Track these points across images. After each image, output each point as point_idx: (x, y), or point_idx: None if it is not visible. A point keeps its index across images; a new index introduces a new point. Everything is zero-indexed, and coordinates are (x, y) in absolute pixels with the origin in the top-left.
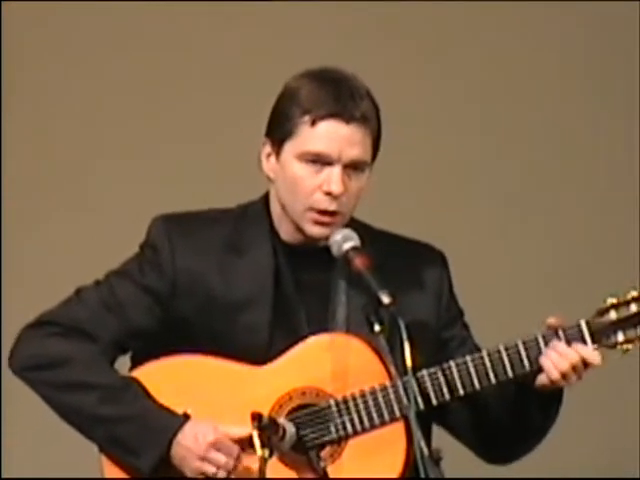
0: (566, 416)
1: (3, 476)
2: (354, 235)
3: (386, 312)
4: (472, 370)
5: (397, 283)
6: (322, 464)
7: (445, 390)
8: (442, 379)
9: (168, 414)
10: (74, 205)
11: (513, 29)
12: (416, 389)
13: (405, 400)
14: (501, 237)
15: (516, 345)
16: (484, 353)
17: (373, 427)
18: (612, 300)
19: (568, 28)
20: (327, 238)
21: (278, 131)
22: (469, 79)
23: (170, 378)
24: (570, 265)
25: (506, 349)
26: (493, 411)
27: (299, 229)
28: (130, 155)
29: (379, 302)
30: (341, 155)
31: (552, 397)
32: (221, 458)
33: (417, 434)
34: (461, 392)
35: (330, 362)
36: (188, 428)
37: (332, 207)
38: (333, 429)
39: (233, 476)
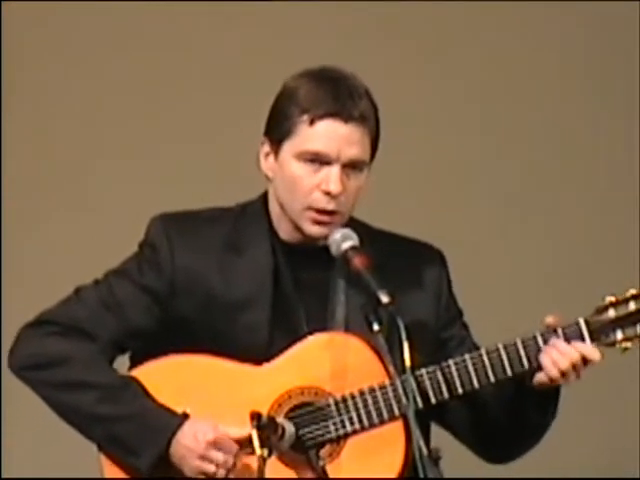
0: (566, 416)
1: (3, 476)
2: (353, 234)
3: (385, 311)
4: (471, 369)
5: (396, 282)
6: (321, 463)
7: (444, 389)
8: (441, 378)
9: (167, 413)
10: (74, 205)
11: (513, 29)
12: (415, 388)
13: (404, 399)
14: (501, 237)
15: (515, 344)
16: (483, 352)
17: (372, 426)
18: (611, 298)
19: (568, 28)
20: (326, 237)
21: (277, 130)
22: (469, 79)
23: (169, 377)
24: (570, 265)
25: (505, 348)
26: (491, 410)
27: (298, 228)
28: (130, 155)
29: (378, 301)
30: (340, 154)
31: (550, 396)
32: (220, 457)
33: (416, 433)
34: (460, 391)
35: (329, 361)
36: (187, 427)
37: (330, 206)
38: (332, 428)
39: (232, 475)
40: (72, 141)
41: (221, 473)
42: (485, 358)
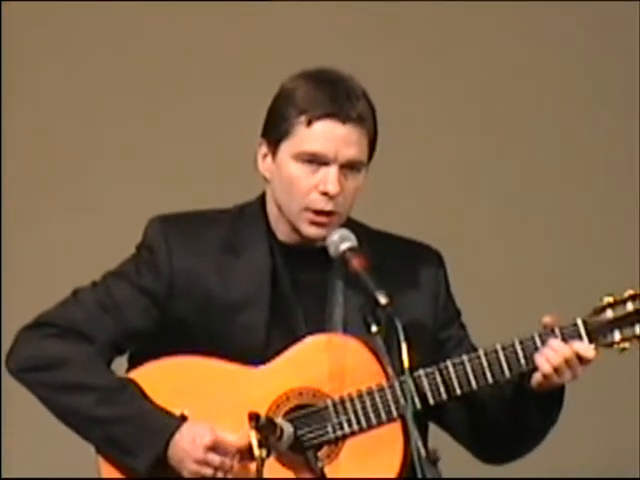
0: (566, 416)
1: (3, 476)
2: (351, 236)
3: (383, 312)
4: (469, 370)
5: (394, 283)
6: (319, 464)
7: (442, 390)
8: (439, 379)
9: (165, 415)
10: (74, 205)
11: (513, 29)
12: (413, 389)
13: (402, 400)
14: (501, 237)
15: (513, 344)
16: (481, 353)
17: (370, 427)
18: (609, 299)
19: (568, 28)
20: (323, 238)
21: (274, 131)
22: (469, 79)
23: (167, 379)
24: (570, 265)
25: (503, 348)
26: (490, 411)
27: (296, 229)
28: (130, 155)
29: (376, 303)
30: (337, 155)
31: (551, 399)
32: (218, 460)
33: (414, 434)
34: (458, 392)
35: (327, 362)
36: (185, 430)
37: (328, 207)
38: (330, 429)
39: (231, 476)
40: (72, 141)
41: (219, 476)
42: (483, 359)
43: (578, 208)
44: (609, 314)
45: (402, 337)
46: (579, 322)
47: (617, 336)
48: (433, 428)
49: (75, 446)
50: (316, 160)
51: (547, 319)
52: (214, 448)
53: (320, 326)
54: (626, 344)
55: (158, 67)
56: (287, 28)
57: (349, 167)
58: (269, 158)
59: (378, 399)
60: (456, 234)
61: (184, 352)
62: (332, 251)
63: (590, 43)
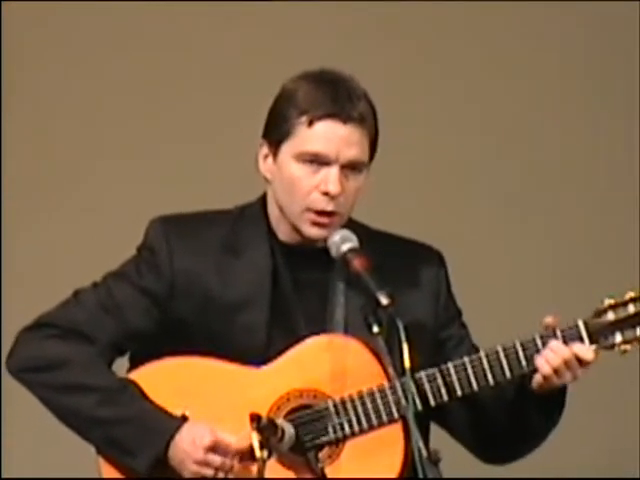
0: (566, 416)
1: (3, 476)
2: (352, 236)
3: (384, 313)
4: (470, 371)
5: (395, 283)
6: (320, 465)
7: (443, 391)
8: (440, 380)
9: (165, 416)
10: (74, 205)
11: (513, 29)
12: (414, 390)
13: (403, 401)
14: (501, 237)
15: (514, 346)
16: (482, 354)
17: (371, 428)
18: (610, 301)
19: (568, 28)
20: (325, 239)
21: (275, 132)
22: (469, 79)
23: (168, 379)
24: (570, 265)
25: (504, 350)
26: (491, 411)
27: (297, 230)
28: (130, 155)
29: (378, 303)
30: (339, 155)
31: (552, 400)
32: (219, 461)
33: (415, 435)
34: (459, 393)
35: (328, 363)
36: (185, 430)
37: (329, 207)
38: (331, 430)
39: (232, 476)
40: (72, 141)
41: (220, 476)
42: (484, 360)
43: (578, 208)
44: (610, 316)
45: (403, 338)
46: (580, 324)
47: (618, 338)
48: (435, 429)
49: (75, 446)
50: (317, 160)
51: (548, 320)
52: (214, 449)
53: (321, 326)
54: (627, 346)
55: (158, 67)
56: (287, 28)
57: (350, 167)
58: (270, 159)
59: (379, 400)
60: (456, 234)
61: (185, 352)
62: (333, 252)
63: (590, 43)
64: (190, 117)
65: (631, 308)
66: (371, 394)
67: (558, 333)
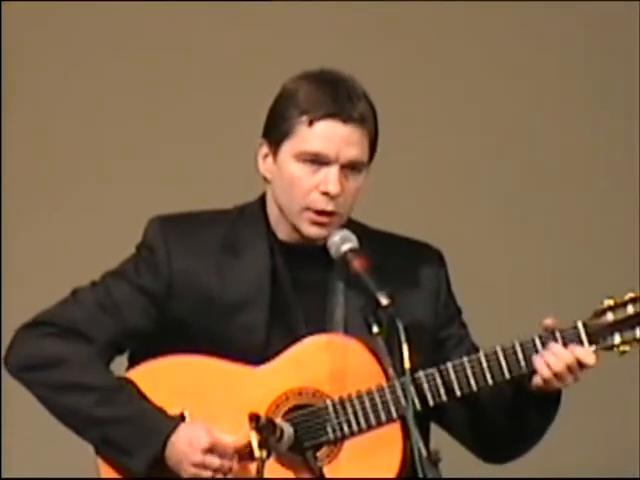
0: (566, 416)
1: (3, 476)
2: (352, 236)
3: (384, 313)
4: (469, 371)
5: (395, 283)
6: (319, 464)
7: (442, 391)
8: (439, 380)
9: (162, 416)
10: (74, 205)
11: (513, 29)
12: (413, 390)
13: (402, 401)
14: (501, 237)
15: (513, 346)
16: (481, 354)
17: (370, 428)
18: (609, 301)
19: (568, 28)
20: (324, 238)
21: (275, 132)
22: (469, 79)
23: (167, 378)
24: (570, 265)
25: (503, 350)
26: (490, 411)
27: (296, 229)
28: (130, 155)
29: (377, 303)
30: (339, 155)
31: (550, 399)
32: (217, 462)
33: (415, 435)
34: (458, 393)
35: (327, 363)
36: (182, 431)
37: (329, 207)
38: (330, 430)
39: (230, 476)
40: (72, 141)
41: (219, 476)
42: (483, 361)
43: (578, 208)
44: (609, 317)
45: (403, 338)
46: (579, 325)
47: (617, 339)
48: (435, 429)
49: (75, 446)
50: (317, 160)
51: (548, 321)
52: (212, 450)
53: (320, 326)
54: (626, 347)
55: (158, 67)
56: (287, 28)
57: (350, 167)
58: (270, 158)
59: (378, 400)
60: (456, 234)
61: (184, 351)
62: (333, 252)
63: (590, 43)
64: (190, 117)
65: (630, 309)
66: (370, 394)
67: (557, 334)
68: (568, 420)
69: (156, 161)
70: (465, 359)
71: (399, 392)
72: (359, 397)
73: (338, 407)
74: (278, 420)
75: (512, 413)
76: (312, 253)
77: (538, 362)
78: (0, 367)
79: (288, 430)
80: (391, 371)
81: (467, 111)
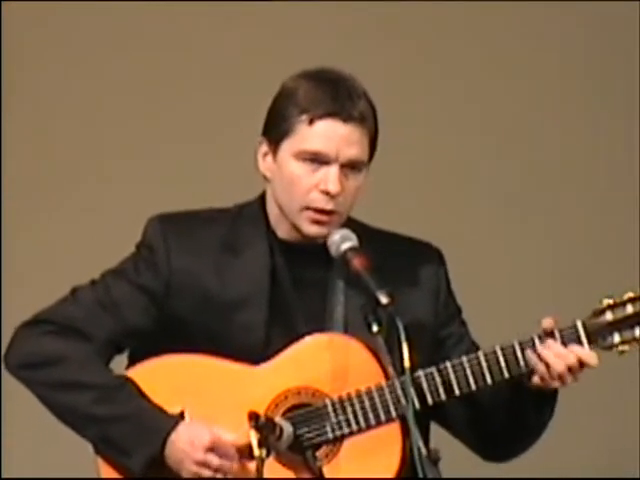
0: (566, 416)
1: (3, 476)
2: (352, 235)
3: (384, 312)
4: (468, 371)
5: (395, 282)
6: (318, 464)
7: (441, 390)
8: (438, 379)
9: (162, 414)
10: (74, 205)
11: (513, 29)
12: (412, 389)
13: (403, 400)
14: (501, 237)
15: (512, 346)
16: (480, 354)
17: (369, 427)
18: (608, 301)
19: (568, 28)
20: (324, 237)
21: (275, 130)
22: (469, 79)
23: (166, 377)
24: (570, 265)
25: (502, 350)
26: (489, 410)
27: (296, 228)
28: (130, 155)
29: (377, 302)
30: (339, 154)
31: (547, 396)
32: (218, 461)
33: (415, 434)
34: (457, 392)
35: (327, 362)
36: (182, 430)
37: (329, 206)
38: (329, 429)
39: (231, 476)
40: (72, 141)
41: (219, 476)
42: (482, 360)
43: (578, 208)
44: (608, 316)
45: (403, 337)
46: (579, 324)
47: (616, 339)
48: (435, 428)
49: (75, 446)
50: (317, 159)
51: (546, 324)
52: (214, 449)
53: (320, 325)
54: (625, 347)
55: (158, 67)
56: (287, 28)
57: (350, 167)
58: (269, 157)
59: (377, 399)
60: (456, 234)
61: (184, 350)
62: (333, 251)
63: (590, 43)
64: (190, 117)
65: (629, 308)
66: (369, 393)
67: (556, 334)
68: (568, 420)
69: (156, 161)
70: (464, 358)
71: (399, 391)
72: (359, 396)
73: (337, 406)
74: (277, 419)
75: (511, 412)
76: (312, 252)
77: (540, 366)
78: (0, 367)
79: (288, 429)
80: (391, 370)
81: (467, 111)
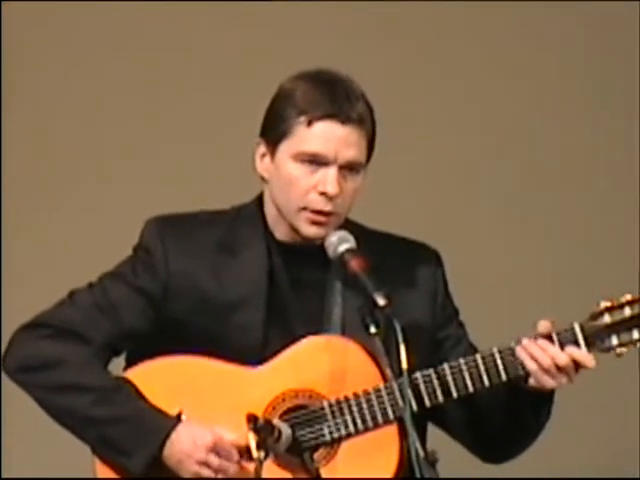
0: (566, 417)
1: (3, 476)
2: (350, 237)
3: (382, 314)
4: (466, 373)
5: (392, 283)
6: (316, 466)
7: (439, 393)
8: (436, 382)
9: (161, 415)
10: (74, 205)
11: (513, 29)
12: (410, 391)
13: (400, 402)
14: (501, 237)
15: (510, 348)
16: (478, 356)
17: (366, 429)
18: (606, 303)
19: (568, 28)
20: (322, 238)
21: (273, 132)
22: (469, 79)
23: (164, 379)
24: (570, 265)
25: (500, 352)
26: (487, 411)
27: (294, 229)
28: (130, 155)
29: (375, 304)
30: (337, 156)
31: (544, 397)
32: (221, 462)
33: (413, 436)
34: (454, 395)
35: (324, 364)
36: (183, 430)
37: (327, 208)
38: (327, 431)
39: (230, 476)
40: (72, 141)
41: (220, 477)
42: (480, 363)
43: (578, 208)
44: (606, 319)
45: (401, 339)
46: (576, 327)
47: (614, 341)
48: (432, 429)
49: (75, 446)
50: (316, 160)
51: (542, 328)
52: (215, 450)
53: (318, 327)
54: (623, 349)
55: (158, 67)
56: (287, 28)
57: (348, 168)
58: (267, 158)
59: (374, 401)
60: (456, 234)
61: (181, 352)
62: (331, 252)
63: (590, 43)
64: (190, 117)
65: (627, 311)
66: (367, 395)
67: (554, 336)
68: (568, 420)
69: (156, 161)
70: (462, 360)
71: (396, 393)
72: (356, 398)
73: (335, 408)
74: (276, 421)
75: (508, 413)
76: (310, 253)
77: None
78: (0, 368)
79: (286, 431)
80: (388, 372)
81: (467, 111)
